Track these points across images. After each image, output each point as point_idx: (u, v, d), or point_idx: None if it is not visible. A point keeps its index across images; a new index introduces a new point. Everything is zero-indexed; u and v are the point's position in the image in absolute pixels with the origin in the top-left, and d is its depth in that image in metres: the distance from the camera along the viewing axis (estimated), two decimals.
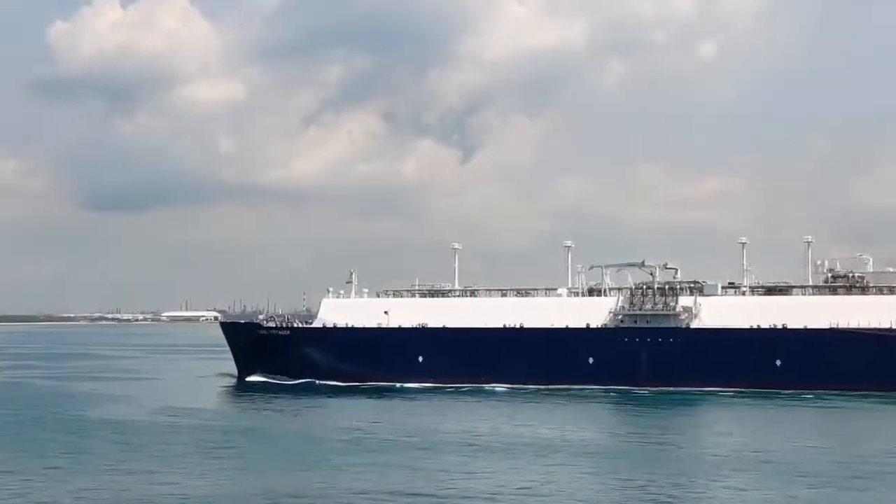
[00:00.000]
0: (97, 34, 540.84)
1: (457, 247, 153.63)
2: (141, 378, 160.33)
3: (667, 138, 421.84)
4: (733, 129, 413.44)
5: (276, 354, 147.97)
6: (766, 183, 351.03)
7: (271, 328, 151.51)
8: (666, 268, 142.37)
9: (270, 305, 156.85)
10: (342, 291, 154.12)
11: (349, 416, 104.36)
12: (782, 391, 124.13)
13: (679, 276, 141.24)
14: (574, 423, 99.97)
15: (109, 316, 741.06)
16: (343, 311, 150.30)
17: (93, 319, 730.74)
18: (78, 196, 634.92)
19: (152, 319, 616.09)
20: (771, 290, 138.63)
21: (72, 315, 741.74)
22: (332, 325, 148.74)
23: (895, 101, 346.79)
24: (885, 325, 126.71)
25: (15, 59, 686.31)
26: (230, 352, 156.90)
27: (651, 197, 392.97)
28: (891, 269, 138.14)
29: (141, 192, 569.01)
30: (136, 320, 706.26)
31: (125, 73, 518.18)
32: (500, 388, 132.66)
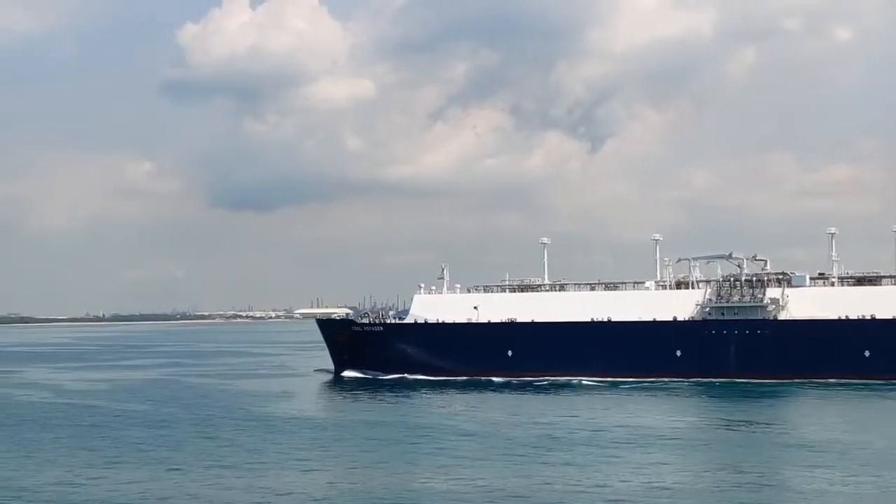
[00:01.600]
0: (227, 35, 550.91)
1: (545, 241, 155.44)
2: (277, 374, 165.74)
3: (797, 126, 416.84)
4: (865, 116, 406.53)
5: (370, 350, 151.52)
6: None
7: (365, 324, 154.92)
8: (755, 259, 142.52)
9: (400, 301, 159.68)
10: (434, 287, 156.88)
11: (505, 410, 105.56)
12: (871, 382, 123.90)
13: (768, 267, 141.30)
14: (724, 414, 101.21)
15: (243, 314, 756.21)
16: (434, 306, 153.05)
17: (227, 317, 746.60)
18: (209, 196, 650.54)
19: (285, 317, 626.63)
20: (860, 281, 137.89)
21: (206, 313, 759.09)
22: (423, 321, 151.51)
23: None
24: None
25: (147, 62, 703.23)
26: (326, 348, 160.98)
27: (780, 186, 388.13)
28: None
29: (270, 190, 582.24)
30: (269, 318, 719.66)
31: (254, 73, 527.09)
32: (587, 381, 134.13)
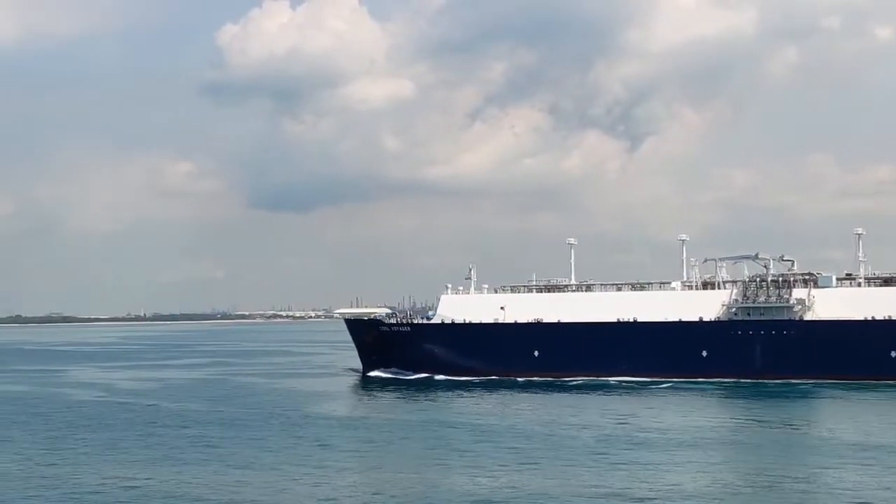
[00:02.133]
0: (267, 36, 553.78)
1: (572, 242, 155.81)
2: (317, 374, 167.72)
3: (838, 126, 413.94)
4: None
5: (397, 350, 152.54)
6: None
7: (392, 325, 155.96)
8: (782, 260, 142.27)
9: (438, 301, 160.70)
10: (461, 287, 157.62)
11: (552, 412, 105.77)
12: None
13: (795, 267, 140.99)
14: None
15: (283, 314, 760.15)
16: (461, 306, 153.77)
17: (267, 317, 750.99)
18: (248, 196, 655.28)
19: (325, 316, 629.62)
20: (888, 282, 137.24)
21: (246, 313, 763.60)
22: (450, 321, 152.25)
23: None
24: None
25: (186, 62, 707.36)
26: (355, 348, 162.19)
27: (821, 187, 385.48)
28: None
29: (309, 190, 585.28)
30: (309, 317, 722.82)
31: (293, 73, 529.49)
32: (613, 381, 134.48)
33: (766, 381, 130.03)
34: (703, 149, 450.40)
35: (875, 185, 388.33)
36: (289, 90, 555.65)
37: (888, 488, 61.57)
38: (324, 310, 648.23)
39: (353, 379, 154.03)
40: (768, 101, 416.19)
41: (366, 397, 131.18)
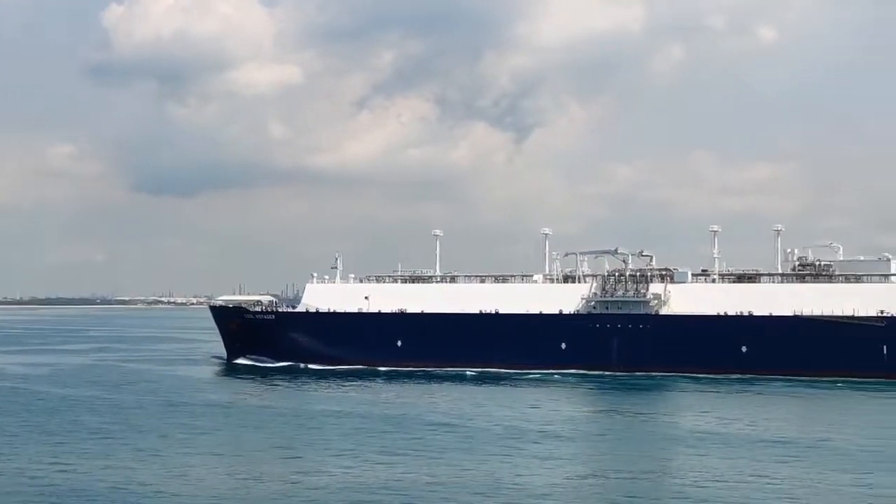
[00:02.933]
0: (152, 18, 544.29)
1: (437, 233, 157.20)
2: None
3: (720, 124, 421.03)
4: (788, 115, 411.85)
5: (262, 338, 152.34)
6: (817, 170, 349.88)
7: (257, 312, 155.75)
8: (641, 255, 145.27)
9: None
10: (326, 277, 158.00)
11: (409, 402, 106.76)
12: (748, 376, 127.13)
13: (653, 263, 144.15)
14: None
15: (164, 300, 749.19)
16: (326, 295, 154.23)
17: (148, 303, 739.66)
18: (131, 180, 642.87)
19: (207, 303, 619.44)
20: (740, 278, 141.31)
21: (127, 298, 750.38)
22: (315, 310, 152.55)
23: None
24: (849, 313, 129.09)
25: (70, 43, 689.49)
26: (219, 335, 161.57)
27: (702, 184, 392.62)
28: (861, 258, 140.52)
29: (194, 175, 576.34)
30: (191, 304, 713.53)
31: (179, 57, 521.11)
32: (474, 371, 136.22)
33: (622, 373, 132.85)
34: (589, 143, 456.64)
35: (754, 183, 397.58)
36: (174, 73, 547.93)
37: (740, 473, 64.68)
38: (206, 296, 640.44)
39: (217, 367, 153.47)
40: (653, 98, 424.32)
41: (225, 384, 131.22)
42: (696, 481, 62.54)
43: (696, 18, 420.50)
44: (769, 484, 61.65)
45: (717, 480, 62.76)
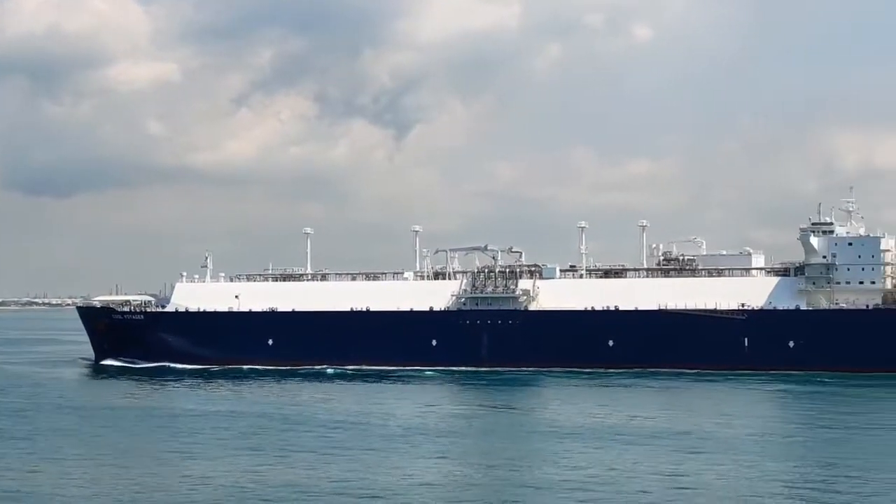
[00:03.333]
0: (24, 13, 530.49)
1: (309, 231, 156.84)
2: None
3: (599, 122, 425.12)
4: (666, 112, 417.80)
5: (131, 338, 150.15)
6: (694, 166, 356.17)
7: (125, 313, 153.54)
8: (511, 251, 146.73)
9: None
10: (197, 276, 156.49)
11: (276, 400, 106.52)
12: (615, 370, 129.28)
13: (523, 259, 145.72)
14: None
15: (39, 301, 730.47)
16: (197, 295, 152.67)
17: (22, 304, 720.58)
18: (2, 178, 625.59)
19: (84, 304, 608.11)
20: (607, 273, 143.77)
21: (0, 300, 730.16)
22: (184, 310, 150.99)
23: (826, 87, 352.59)
24: (710, 307, 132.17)
25: None
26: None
27: (581, 180, 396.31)
28: (724, 252, 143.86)
29: (68, 174, 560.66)
30: (66, 305, 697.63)
31: (52, 53, 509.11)
32: (341, 369, 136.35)
33: (492, 368, 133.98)
34: (470, 140, 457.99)
35: (630, 178, 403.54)
36: (47, 70, 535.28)
37: (601, 463, 66.63)
38: (82, 297, 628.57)
39: (83, 368, 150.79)
40: (533, 96, 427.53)
41: (85, 386, 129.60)
42: (558, 472, 64.08)
43: (574, 17, 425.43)
44: (629, 477, 62.86)
45: (577, 469, 64.51)
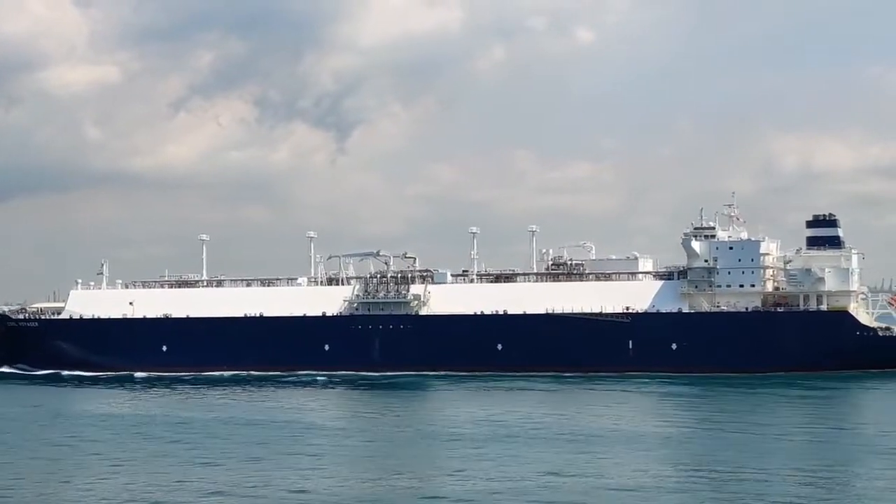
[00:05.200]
0: None
1: (204, 238, 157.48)
2: None
3: (541, 124, 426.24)
4: (607, 115, 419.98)
5: (26, 346, 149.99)
6: (634, 168, 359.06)
7: (20, 320, 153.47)
8: (405, 257, 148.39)
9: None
10: (92, 283, 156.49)
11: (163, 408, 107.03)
12: (503, 373, 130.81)
13: (416, 264, 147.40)
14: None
15: None
16: (92, 302, 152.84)
17: None
18: None
19: (21, 310, 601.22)
20: (498, 278, 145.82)
21: None
22: (79, 317, 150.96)
23: (765, 90, 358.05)
24: (597, 310, 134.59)
25: None
26: None
27: (523, 183, 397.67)
28: (613, 257, 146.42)
29: (4, 179, 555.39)
30: (2, 311, 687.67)
31: None
32: (235, 374, 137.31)
33: (384, 373, 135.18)
34: (412, 143, 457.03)
35: (572, 181, 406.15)
36: None
37: (487, 465, 67.51)
38: (19, 304, 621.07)
39: None
40: (476, 98, 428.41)
41: None
42: (445, 474, 64.99)
43: (517, 20, 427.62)
44: (515, 479, 63.52)
45: (458, 472, 65.30)
